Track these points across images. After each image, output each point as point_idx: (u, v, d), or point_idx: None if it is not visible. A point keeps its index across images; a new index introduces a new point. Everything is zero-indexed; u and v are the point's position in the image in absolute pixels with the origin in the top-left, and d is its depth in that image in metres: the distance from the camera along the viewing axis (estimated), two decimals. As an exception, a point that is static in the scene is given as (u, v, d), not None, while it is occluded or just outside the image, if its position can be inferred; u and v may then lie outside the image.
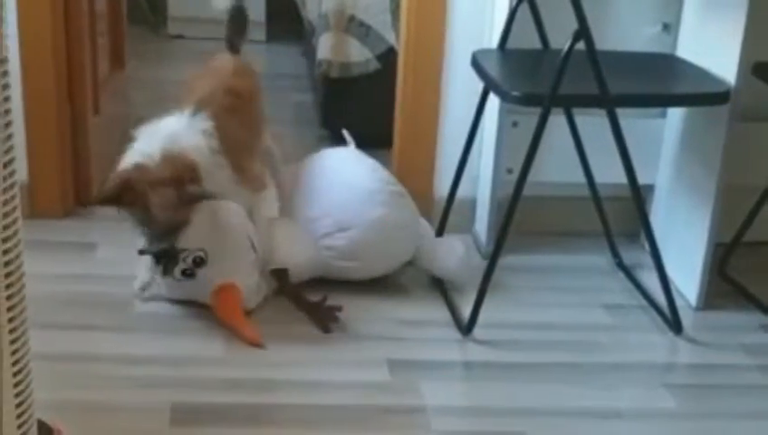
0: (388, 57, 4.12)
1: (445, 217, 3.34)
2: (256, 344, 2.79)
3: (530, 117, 2.91)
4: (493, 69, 3.00)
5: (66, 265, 3.18)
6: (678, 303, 3.03)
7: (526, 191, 2.83)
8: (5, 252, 1.59)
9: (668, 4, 3.33)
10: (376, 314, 3.00)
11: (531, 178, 2.82)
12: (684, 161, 3.25)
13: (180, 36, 6.01)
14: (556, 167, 3.36)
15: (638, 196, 2.90)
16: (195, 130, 2.85)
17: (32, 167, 3.38)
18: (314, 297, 2.98)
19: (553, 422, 2.56)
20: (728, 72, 2.95)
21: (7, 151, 1.57)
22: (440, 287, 3.16)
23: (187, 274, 2.86)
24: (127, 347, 2.77)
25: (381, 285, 3.15)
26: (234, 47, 3.25)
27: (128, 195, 2.71)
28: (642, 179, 2.94)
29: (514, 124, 3.29)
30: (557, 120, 3.15)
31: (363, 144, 3.35)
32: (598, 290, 3.24)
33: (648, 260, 3.15)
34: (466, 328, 2.92)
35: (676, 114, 3.31)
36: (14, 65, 3.14)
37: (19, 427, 1.70)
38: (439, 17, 3.34)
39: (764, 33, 2.90)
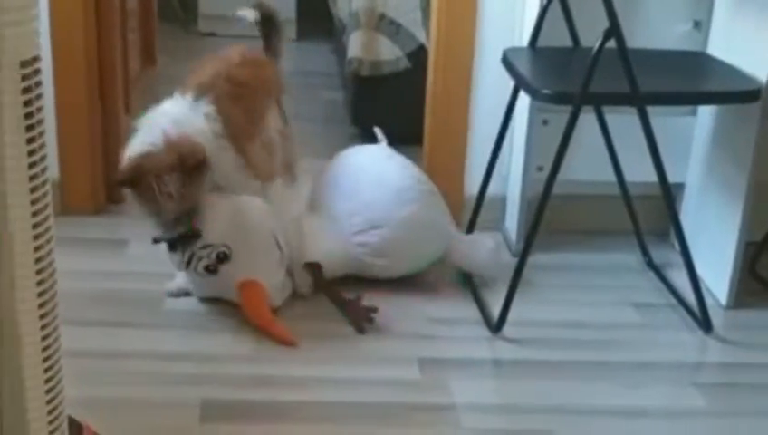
0: (418, 55, 4.12)
1: (475, 215, 3.34)
2: (289, 344, 2.80)
3: (560, 115, 2.90)
4: (523, 67, 2.99)
5: (97, 262, 3.19)
6: (708, 301, 3.02)
7: (556, 189, 2.83)
8: (37, 249, 1.60)
9: (699, 1, 3.32)
10: (406, 312, 3.00)
11: (561, 176, 2.81)
12: (714, 159, 3.24)
13: (212, 34, 6.02)
14: (586, 165, 3.35)
15: (669, 194, 2.89)
16: (197, 113, 2.86)
17: (63, 164, 3.40)
18: (350, 295, 2.99)
19: (582, 420, 2.56)
20: (759, 70, 2.93)
21: (39, 149, 1.58)
22: (470, 285, 3.16)
23: (210, 269, 2.86)
24: (157, 344, 2.78)
25: (411, 282, 3.15)
26: (271, 51, 3.26)
27: (140, 181, 2.72)
28: (672, 178, 2.93)
29: (545, 122, 3.29)
30: (587, 119, 3.15)
31: (393, 142, 3.35)
32: (627, 289, 3.23)
33: (677, 259, 3.14)
34: (496, 326, 2.91)
35: (706, 112, 3.30)
36: (46, 63, 3.15)
37: (50, 423, 1.71)
38: (470, 15, 3.34)
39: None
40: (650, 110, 2.81)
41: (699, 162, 3.34)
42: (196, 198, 2.78)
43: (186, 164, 2.71)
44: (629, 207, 3.35)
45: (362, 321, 2.91)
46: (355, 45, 4.23)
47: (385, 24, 4.19)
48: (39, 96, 1.57)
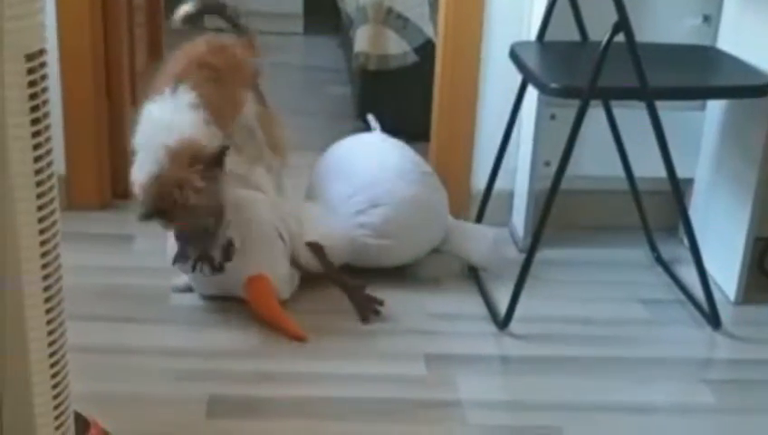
0: (425, 49, 4.11)
1: (482, 210, 3.33)
2: (300, 339, 2.79)
3: (568, 110, 2.89)
4: (531, 61, 2.98)
5: (103, 257, 3.19)
6: (717, 297, 3.01)
7: (564, 184, 2.81)
8: (43, 243, 1.60)
9: (709, -5, 3.32)
10: (412, 308, 2.99)
11: (568, 171, 2.80)
12: (724, 154, 3.22)
13: (218, 29, 6.00)
14: (594, 160, 3.35)
15: (677, 189, 2.88)
16: (181, 107, 2.78)
17: (69, 159, 3.40)
18: (355, 281, 2.98)
19: (590, 417, 2.55)
20: (769, 65, 2.93)
21: (45, 142, 1.57)
22: (476, 280, 3.15)
23: (216, 268, 2.85)
24: (163, 339, 2.77)
25: (416, 277, 3.15)
26: (237, 29, 3.22)
27: (164, 203, 2.65)
28: (681, 173, 2.92)
29: (552, 117, 3.28)
30: (595, 113, 3.13)
31: (400, 136, 3.34)
32: (635, 284, 3.22)
33: (686, 254, 3.13)
34: (503, 322, 2.91)
35: (715, 107, 3.28)
36: (53, 58, 3.14)
37: (56, 418, 1.70)
38: (477, 9, 3.33)
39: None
40: (659, 104, 2.79)
41: (708, 157, 3.33)
42: (220, 190, 2.75)
43: (199, 162, 2.68)
44: (638, 203, 3.34)
45: (368, 311, 2.90)
46: (362, 40, 4.22)
47: (392, 19, 4.18)
48: (45, 90, 1.56)
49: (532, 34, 3.18)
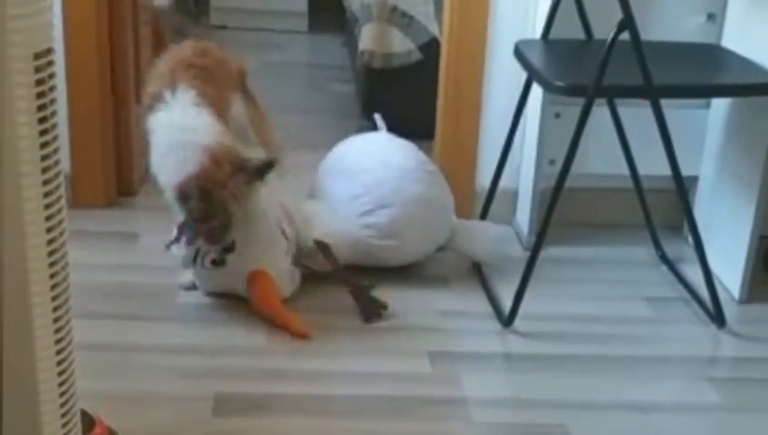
0: (430, 48, 4.11)
1: (486, 208, 3.34)
2: (304, 336, 2.80)
3: (573, 108, 2.89)
4: (536, 59, 2.99)
5: (108, 255, 3.19)
6: (722, 296, 3.01)
7: (568, 183, 2.82)
8: (50, 242, 1.60)
9: (713, -6, 3.32)
10: (416, 305, 3.00)
11: (573, 169, 2.80)
12: (728, 153, 3.23)
13: (223, 27, 6.02)
14: (599, 158, 3.35)
15: (682, 187, 2.88)
16: (187, 106, 2.79)
17: (75, 157, 3.40)
18: (363, 282, 2.98)
19: (594, 415, 2.55)
20: (774, 63, 2.93)
21: (52, 141, 1.57)
22: (480, 278, 3.15)
23: (217, 262, 2.85)
24: (169, 337, 2.78)
25: (420, 275, 3.16)
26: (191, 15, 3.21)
27: (209, 193, 2.68)
28: (686, 171, 2.93)
29: (557, 115, 3.28)
30: (600, 111, 3.14)
31: (405, 135, 3.34)
32: (640, 283, 3.22)
33: (690, 253, 3.13)
34: (507, 320, 2.91)
35: (720, 105, 3.29)
36: (59, 55, 3.14)
37: (63, 416, 1.71)
38: (482, 7, 3.33)
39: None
40: (664, 102, 2.80)
41: (713, 155, 3.33)
42: (252, 202, 2.77)
43: (243, 170, 2.70)
44: (642, 201, 3.34)
45: (371, 313, 2.91)
46: (367, 38, 4.22)
47: (397, 17, 4.18)
48: (52, 88, 1.57)
49: (537, 33, 3.18)
